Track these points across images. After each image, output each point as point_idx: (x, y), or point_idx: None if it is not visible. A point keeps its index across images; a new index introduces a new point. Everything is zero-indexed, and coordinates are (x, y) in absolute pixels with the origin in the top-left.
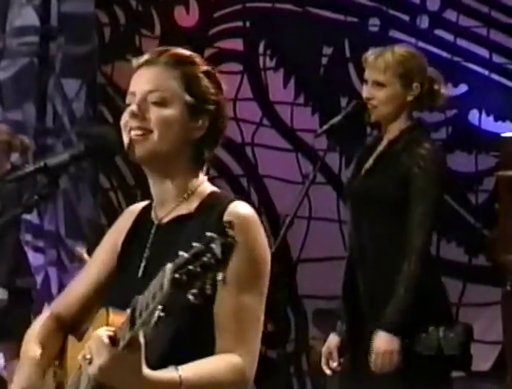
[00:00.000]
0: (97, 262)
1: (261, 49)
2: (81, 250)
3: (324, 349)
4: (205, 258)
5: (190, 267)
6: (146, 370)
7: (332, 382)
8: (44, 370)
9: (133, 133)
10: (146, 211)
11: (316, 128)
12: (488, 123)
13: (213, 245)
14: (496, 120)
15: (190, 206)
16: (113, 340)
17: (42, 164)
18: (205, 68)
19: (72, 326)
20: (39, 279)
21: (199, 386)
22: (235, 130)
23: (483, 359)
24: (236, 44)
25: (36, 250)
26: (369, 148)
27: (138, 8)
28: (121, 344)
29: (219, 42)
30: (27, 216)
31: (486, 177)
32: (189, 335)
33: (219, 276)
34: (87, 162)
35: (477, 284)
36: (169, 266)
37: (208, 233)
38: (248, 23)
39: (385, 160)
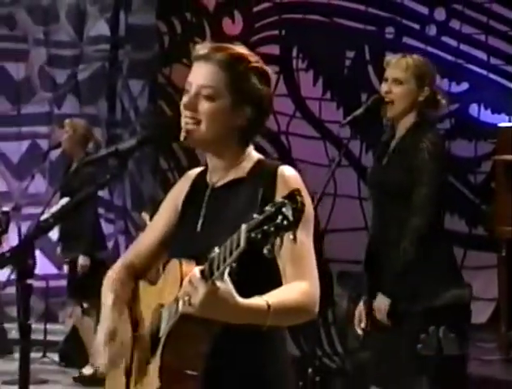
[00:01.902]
0: (161, 219)
1: (294, 53)
2: (145, 216)
3: (357, 314)
4: (278, 220)
5: (265, 228)
6: (238, 298)
7: (354, 331)
8: (120, 313)
9: (185, 121)
10: (201, 175)
11: (340, 119)
12: (486, 115)
13: (284, 209)
14: (493, 112)
15: (241, 171)
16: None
17: (114, 148)
18: (254, 65)
19: (141, 271)
20: (110, 245)
21: (282, 310)
22: (272, 121)
23: (481, 313)
24: (274, 49)
25: (108, 221)
26: (385, 143)
27: (192, 20)
28: (209, 280)
29: (259, 48)
30: (99, 193)
31: (484, 161)
32: (253, 273)
33: (290, 236)
34: (149, 148)
35: (476, 251)
36: (244, 227)
37: (279, 199)
38: (283, 32)
39: (397, 155)
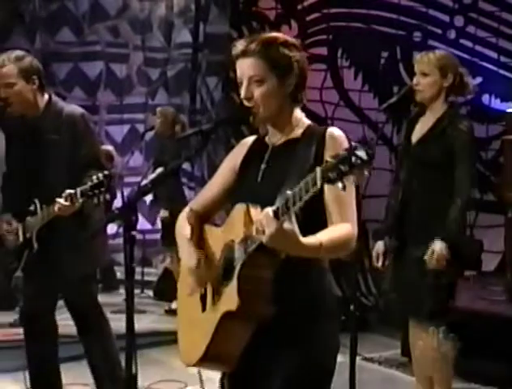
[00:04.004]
0: (220, 177)
1: (339, 53)
2: None
3: (374, 253)
4: (352, 160)
5: (341, 167)
6: (299, 236)
7: (385, 276)
8: (194, 245)
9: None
10: (258, 141)
11: (376, 107)
12: (496, 103)
13: (357, 151)
14: (502, 101)
15: (297, 132)
16: (276, 216)
17: (198, 129)
18: (281, 41)
19: (205, 217)
20: None
21: (330, 246)
22: (320, 109)
23: (490, 262)
24: (322, 50)
25: (189, 188)
26: (413, 120)
27: (257, 27)
28: (281, 219)
29: (311, 49)
30: (183, 165)
31: (494, 140)
32: (309, 215)
33: (339, 185)
34: (222, 130)
35: (487, 213)
36: (319, 168)
37: (353, 143)
38: (330, 36)
39: (434, 133)
